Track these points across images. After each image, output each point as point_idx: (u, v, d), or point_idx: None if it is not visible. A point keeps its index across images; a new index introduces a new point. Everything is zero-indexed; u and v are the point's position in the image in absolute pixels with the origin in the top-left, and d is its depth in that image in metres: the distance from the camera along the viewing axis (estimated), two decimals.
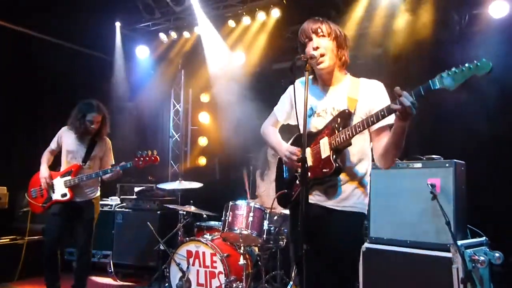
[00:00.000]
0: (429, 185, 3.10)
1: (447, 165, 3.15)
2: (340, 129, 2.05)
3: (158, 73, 6.81)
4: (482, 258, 2.96)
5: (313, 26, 2.15)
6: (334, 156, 2.04)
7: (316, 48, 2.10)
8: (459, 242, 2.96)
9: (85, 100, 4.03)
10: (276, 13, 5.42)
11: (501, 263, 3.03)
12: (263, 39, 5.79)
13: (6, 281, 4.59)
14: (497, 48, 4.20)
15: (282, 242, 4.09)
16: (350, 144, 2.05)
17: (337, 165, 2.02)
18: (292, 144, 2.30)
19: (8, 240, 4.79)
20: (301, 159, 1.91)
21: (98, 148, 4.01)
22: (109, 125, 4.10)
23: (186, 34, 6.21)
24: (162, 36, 6.26)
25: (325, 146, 2.07)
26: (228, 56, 6.23)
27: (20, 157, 5.42)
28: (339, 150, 2.06)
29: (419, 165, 3.28)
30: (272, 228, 3.99)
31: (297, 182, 2.18)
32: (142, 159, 3.85)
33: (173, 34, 6.21)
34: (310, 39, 2.15)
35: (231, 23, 5.79)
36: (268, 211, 3.94)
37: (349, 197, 2.10)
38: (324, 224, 2.08)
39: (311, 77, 2.25)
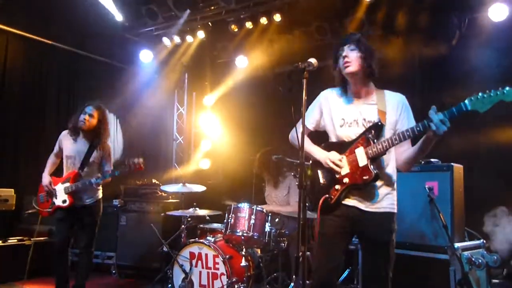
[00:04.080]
0: (427, 188, 3.15)
1: (444, 168, 3.20)
2: (375, 140, 2.28)
3: (161, 77, 6.89)
4: (479, 260, 3.00)
5: (345, 40, 2.42)
6: (372, 166, 2.27)
7: (345, 57, 2.36)
8: (457, 245, 3.01)
9: None
10: (277, 17, 5.48)
11: (498, 265, 3.06)
12: (266, 43, 5.85)
13: (13, 280, 4.68)
14: (497, 51, 4.24)
15: (283, 244, 4.14)
16: (385, 154, 2.30)
17: (375, 172, 2.26)
18: (323, 149, 2.50)
19: (15, 240, 4.88)
20: (300, 163, 2.08)
21: (96, 154, 4.01)
22: (109, 128, 4.11)
23: (189, 38, 6.29)
24: (166, 40, 6.34)
25: (361, 156, 2.30)
26: (231, 60, 6.31)
27: (26, 160, 5.53)
28: (375, 159, 2.30)
29: (417, 168, 3.32)
30: (273, 230, 4.04)
31: (336, 187, 2.37)
32: (129, 167, 3.90)
33: (176, 39, 6.29)
34: (342, 50, 2.39)
35: (234, 27, 5.86)
36: (270, 214, 4.01)
37: (383, 200, 2.34)
38: (361, 223, 2.34)
39: (340, 89, 2.48)
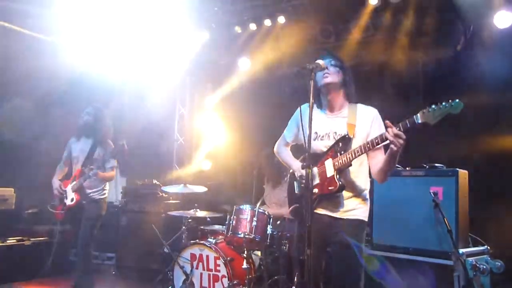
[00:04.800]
0: (432, 193, 3.14)
1: (449, 173, 3.19)
2: (342, 152, 2.41)
3: (164, 77, 6.86)
4: (483, 266, 2.99)
5: (327, 55, 2.53)
6: (337, 176, 2.40)
7: (325, 68, 2.42)
8: (461, 250, 2.99)
9: None
10: (282, 19, 5.48)
11: (502, 272, 3.05)
12: (269, 45, 5.84)
13: (12, 281, 4.64)
14: (502, 58, 4.24)
15: (285, 247, 4.11)
16: (351, 165, 2.40)
17: (340, 183, 2.38)
18: (301, 161, 2.69)
19: (15, 241, 4.84)
20: (306, 166, 2.16)
21: (98, 152, 4.17)
22: (107, 127, 4.27)
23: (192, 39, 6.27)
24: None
25: (329, 167, 2.43)
26: (234, 61, 6.30)
27: (27, 159, 5.50)
28: (341, 170, 2.42)
29: (421, 173, 3.32)
30: (275, 233, 4.02)
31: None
32: (117, 150, 4.08)
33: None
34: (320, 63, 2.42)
35: (237, 29, 5.85)
36: (272, 216, 3.99)
37: (352, 210, 2.46)
38: (331, 228, 2.46)
39: (315, 104, 2.55)
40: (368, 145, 2.29)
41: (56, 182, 4.23)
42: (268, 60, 5.93)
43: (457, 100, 2.00)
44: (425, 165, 3.37)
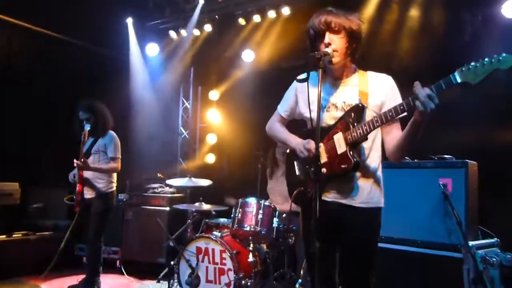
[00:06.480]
0: (441, 185, 3.09)
1: (459, 165, 3.14)
2: (355, 124, 2.03)
3: (167, 70, 6.83)
4: (493, 259, 2.95)
5: (325, 20, 2.07)
6: (351, 152, 2.02)
7: (328, 44, 2.06)
8: (470, 243, 2.96)
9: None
10: (286, 11, 5.42)
11: None
12: (273, 37, 5.78)
13: (18, 275, 4.65)
14: (510, 48, 4.16)
15: (291, 240, 4.09)
16: (367, 139, 2.04)
17: (355, 160, 2.01)
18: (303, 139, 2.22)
19: (20, 235, 4.84)
20: (315, 155, 1.91)
21: (98, 144, 4.26)
22: (105, 119, 4.31)
23: (196, 31, 6.22)
24: (172, 33, 6.28)
25: (340, 142, 2.06)
26: (238, 54, 6.24)
27: (32, 153, 5.48)
28: (355, 145, 2.05)
29: (430, 164, 3.27)
30: (281, 226, 3.99)
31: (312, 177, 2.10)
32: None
33: (183, 32, 6.23)
34: (323, 34, 2.09)
35: (241, 21, 5.79)
36: (277, 208, 3.96)
37: (365, 194, 2.10)
38: (343, 220, 2.11)
39: (320, 71, 2.17)
40: (390, 113, 1.91)
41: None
42: (273, 52, 5.88)
43: (505, 54, 1.64)
44: (434, 157, 3.32)
